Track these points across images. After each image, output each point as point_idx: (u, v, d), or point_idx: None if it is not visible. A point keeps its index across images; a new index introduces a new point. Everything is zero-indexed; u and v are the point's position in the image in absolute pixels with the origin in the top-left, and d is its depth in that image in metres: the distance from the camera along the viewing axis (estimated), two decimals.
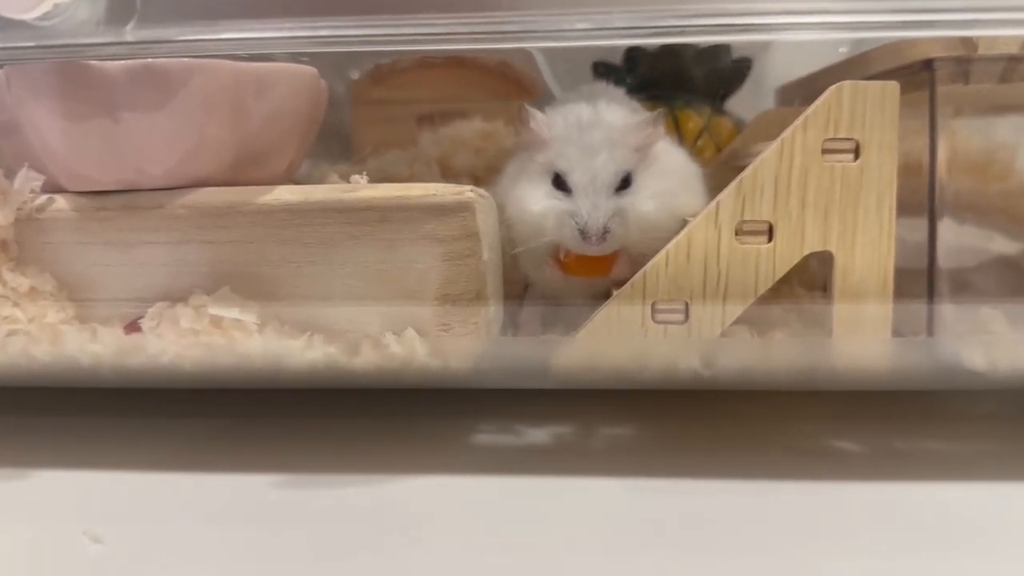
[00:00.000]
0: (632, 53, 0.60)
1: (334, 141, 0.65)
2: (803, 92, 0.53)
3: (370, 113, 0.69)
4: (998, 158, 0.41)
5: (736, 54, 0.59)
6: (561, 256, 0.41)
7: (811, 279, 0.44)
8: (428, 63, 0.71)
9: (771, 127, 0.50)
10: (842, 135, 0.37)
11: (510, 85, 0.69)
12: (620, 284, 0.39)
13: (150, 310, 0.39)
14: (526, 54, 0.66)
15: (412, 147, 0.62)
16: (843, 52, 0.51)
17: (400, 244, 0.38)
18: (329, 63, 0.46)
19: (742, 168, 0.38)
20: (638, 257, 0.39)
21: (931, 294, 0.39)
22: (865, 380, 0.41)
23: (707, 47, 0.58)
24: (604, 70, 0.59)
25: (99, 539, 0.33)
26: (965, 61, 0.38)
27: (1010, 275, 0.41)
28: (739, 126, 0.58)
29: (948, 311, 0.39)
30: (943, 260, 0.39)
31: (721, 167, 0.50)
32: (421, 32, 0.33)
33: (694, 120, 0.56)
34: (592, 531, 0.34)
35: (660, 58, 0.58)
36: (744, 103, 0.62)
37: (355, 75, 0.69)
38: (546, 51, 0.66)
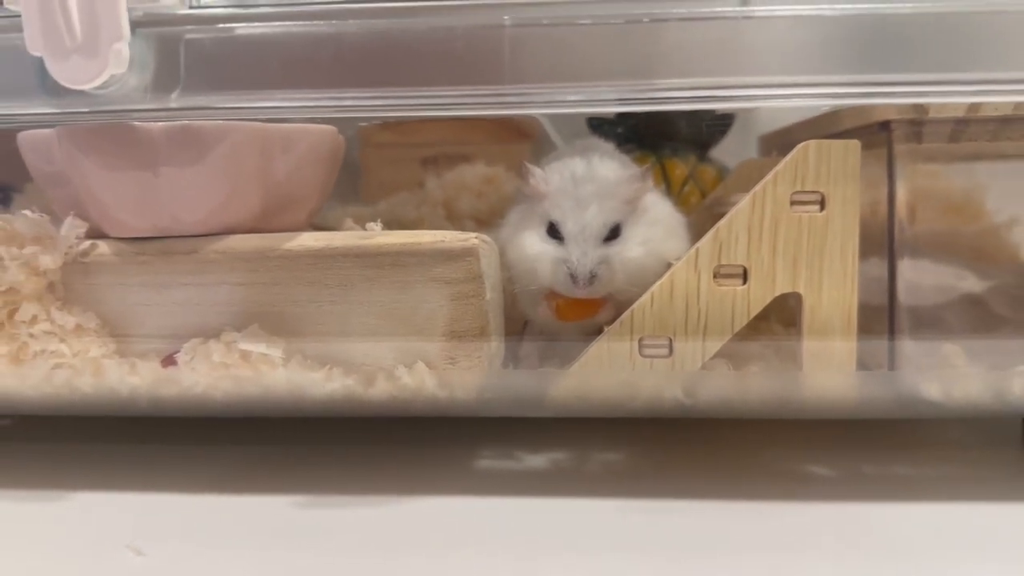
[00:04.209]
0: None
1: (345, 180, 0.67)
2: (781, 142, 0.56)
3: (378, 155, 0.70)
4: (954, 203, 0.44)
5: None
6: (554, 304, 0.43)
7: (789, 317, 0.46)
8: None
9: (751, 176, 0.52)
10: (808, 188, 0.39)
11: (509, 130, 0.69)
12: (610, 323, 0.41)
13: (185, 345, 0.41)
14: None
15: (419, 190, 0.63)
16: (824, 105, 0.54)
17: (411, 286, 0.40)
18: None
19: (723, 215, 0.40)
20: (623, 304, 0.41)
21: (892, 331, 0.42)
22: (833, 410, 0.43)
23: None
24: (597, 122, 0.62)
25: (141, 551, 0.36)
26: (918, 123, 0.41)
27: (968, 312, 0.43)
28: (722, 173, 0.60)
29: (909, 346, 0.41)
30: (903, 297, 0.42)
31: (705, 212, 0.52)
32: (431, 103, 0.37)
33: (680, 168, 0.58)
34: (585, 546, 0.36)
35: (648, 112, 0.61)
36: (731, 149, 0.64)
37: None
38: None
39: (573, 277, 0.41)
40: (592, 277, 0.41)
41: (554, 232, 0.42)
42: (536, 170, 0.43)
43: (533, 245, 0.42)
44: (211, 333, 0.41)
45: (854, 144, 0.39)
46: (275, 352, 0.40)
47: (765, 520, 0.38)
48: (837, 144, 0.39)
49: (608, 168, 0.44)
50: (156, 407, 0.43)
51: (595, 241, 0.42)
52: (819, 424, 0.49)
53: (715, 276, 0.40)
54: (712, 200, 0.56)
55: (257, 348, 0.40)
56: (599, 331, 0.42)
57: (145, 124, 0.39)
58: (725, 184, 0.57)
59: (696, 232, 0.43)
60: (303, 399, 0.41)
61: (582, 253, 0.41)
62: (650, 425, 0.49)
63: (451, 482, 0.42)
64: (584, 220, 0.42)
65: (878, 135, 0.42)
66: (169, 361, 0.41)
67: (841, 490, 0.41)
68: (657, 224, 0.44)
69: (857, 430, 0.49)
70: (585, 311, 0.43)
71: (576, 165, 0.43)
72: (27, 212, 0.43)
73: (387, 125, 0.72)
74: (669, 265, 0.41)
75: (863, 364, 0.41)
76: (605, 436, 0.49)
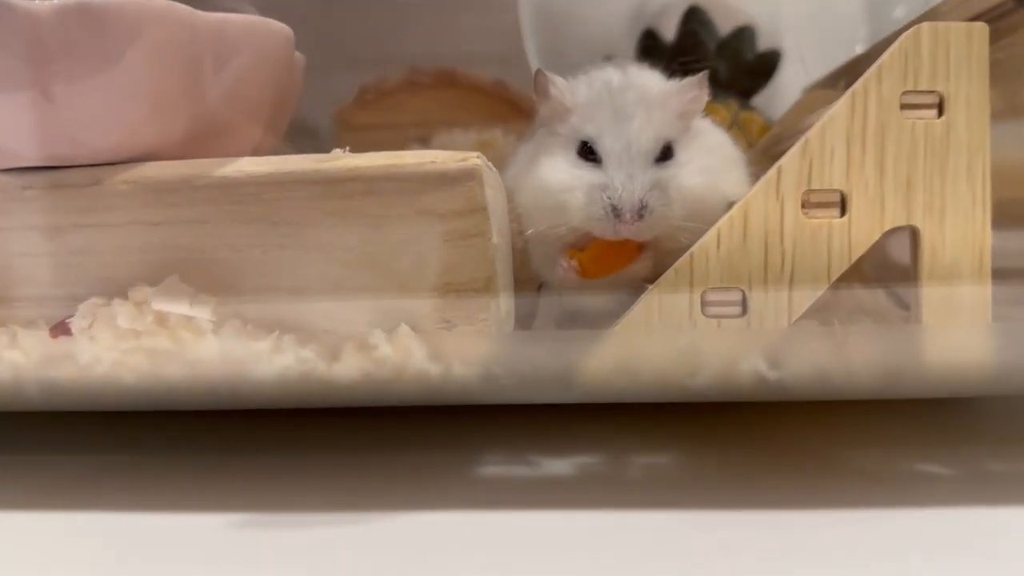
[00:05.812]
0: (647, 48, 0.57)
1: None
2: (846, 80, 0.50)
3: (356, 139, 0.68)
4: None
5: (762, 47, 0.56)
6: (576, 262, 0.36)
7: (862, 275, 0.40)
8: (417, 84, 0.70)
9: (817, 108, 0.46)
10: (923, 87, 0.34)
11: (506, 106, 0.68)
12: (652, 280, 0.35)
13: (81, 306, 0.35)
14: (523, 69, 0.64)
15: None
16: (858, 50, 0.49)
17: (391, 222, 0.34)
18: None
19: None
20: (666, 255, 0.35)
21: None
22: (963, 381, 0.37)
23: (730, 39, 0.55)
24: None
25: None
26: None
27: None
28: (769, 123, 0.55)
29: None
30: None
31: (760, 156, 0.46)
32: None
33: (721, 113, 0.53)
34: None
35: (679, 52, 0.55)
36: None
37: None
38: (546, 60, 0.64)
39: (616, 209, 0.35)
40: (642, 208, 0.34)
41: (588, 153, 0.36)
42: (558, 79, 0.38)
43: (558, 171, 0.36)
44: (118, 291, 0.36)
45: (981, 27, 0.34)
46: (202, 313, 0.35)
47: (866, 532, 0.32)
48: (958, 28, 0.34)
49: (652, 76, 0.39)
50: (46, 395, 0.36)
51: (644, 161, 0.36)
52: (921, 410, 0.44)
53: (803, 206, 0.34)
54: (770, 139, 0.50)
55: (178, 308, 0.35)
56: (638, 293, 0.35)
57: (28, 4, 0.33)
58: (782, 120, 0.51)
59: (752, 180, 0.38)
60: (243, 380, 0.35)
61: (627, 176, 0.35)
62: (707, 414, 0.44)
63: (448, 494, 0.37)
64: (628, 134, 0.36)
65: (1010, 17, 0.35)
66: (60, 329, 0.35)
67: (963, 492, 0.36)
68: (714, 153, 0.39)
69: (972, 419, 0.44)
70: (616, 262, 0.36)
71: (611, 74, 0.39)
72: None
73: (366, 104, 0.70)
74: (730, 205, 0.35)
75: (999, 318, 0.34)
76: (650, 430, 0.43)
